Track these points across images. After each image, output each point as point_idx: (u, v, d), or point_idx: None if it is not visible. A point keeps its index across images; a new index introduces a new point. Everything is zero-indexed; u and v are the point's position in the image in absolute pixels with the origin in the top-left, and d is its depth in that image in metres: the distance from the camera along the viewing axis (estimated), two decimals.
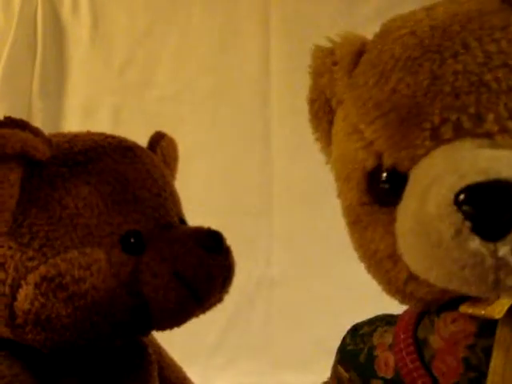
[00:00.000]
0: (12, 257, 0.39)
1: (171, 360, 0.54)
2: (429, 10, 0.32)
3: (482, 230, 0.24)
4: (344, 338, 0.38)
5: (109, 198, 0.42)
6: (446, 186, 0.26)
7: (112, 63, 1.21)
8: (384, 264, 0.32)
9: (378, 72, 0.31)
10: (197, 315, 0.44)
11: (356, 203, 0.33)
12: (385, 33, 0.33)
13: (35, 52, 1.21)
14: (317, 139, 0.39)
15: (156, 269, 0.41)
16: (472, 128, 0.27)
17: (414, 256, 0.28)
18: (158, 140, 0.51)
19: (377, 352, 0.35)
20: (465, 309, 0.29)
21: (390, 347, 0.34)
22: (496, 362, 0.28)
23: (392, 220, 0.30)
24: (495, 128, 0.27)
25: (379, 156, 0.31)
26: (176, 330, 0.44)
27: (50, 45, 1.21)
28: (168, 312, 0.41)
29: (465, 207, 0.24)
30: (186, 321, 0.43)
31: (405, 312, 0.35)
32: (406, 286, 0.31)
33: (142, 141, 0.50)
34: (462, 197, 0.25)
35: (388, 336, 0.35)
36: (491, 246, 0.24)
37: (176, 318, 0.42)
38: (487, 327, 0.29)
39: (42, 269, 0.39)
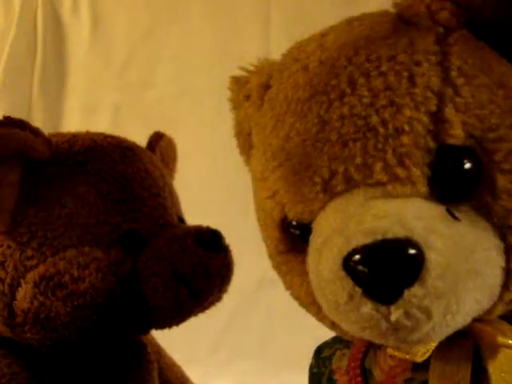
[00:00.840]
0: (11, 256, 0.40)
1: (171, 360, 0.54)
2: (322, 37, 0.31)
3: (373, 294, 0.23)
4: (312, 359, 0.39)
5: (108, 198, 0.42)
6: (334, 249, 0.25)
7: (112, 63, 1.21)
8: (310, 308, 0.31)
9: (274, 115, 0.30)
10: (195, 314, 0.44)
11: (274, 251, 0.32)
12: (283, 66, 0.32)
13: (35, 52, 1.21)
14: (250, 171, 0.37)
15: (155, 267, 0.41)
16: (362, 179, 0.26)
17: (324, 308, 0.27)
18: (157, 140, 0.51)
19: (336, 376, 0.35)
20: (391, 351, 0.30)
21: (346, 372, 0.34)
22: None
23: (307, 269, 0.29)
24: (385, 178, 0.26)
25: (283, 208, 0.29)
26: (176, 329, 0.44)
27: (49, 45, 1.21)
28: (167, 310, 0.41)
29: (353, 272, 0.24)
30: (184, 319, 0.43)
31: (358, 339, 0.34)
32: (333, 328, 0.31)
33: (142, 141, 0.50)
34: (349, 261, 0.24)
35: (345, 360, 0.35)
36: (384, 309, 0.23)
37: (175, 316, 0.42)
38: (423, 362, 0.29)
39: (41, 268, 0.39)
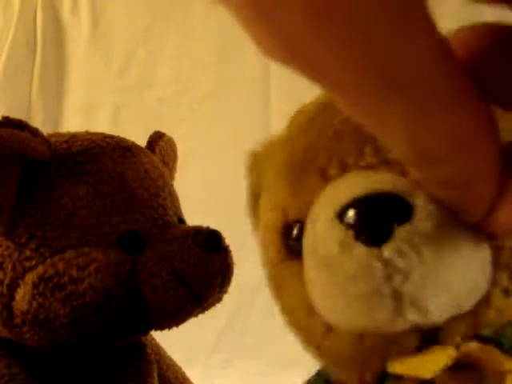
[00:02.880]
0: (10, 256, 0.39)
1: (171, 360, 0.54)
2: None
3: (365, 237, 0.25)
4: None
5: (107, 198, 0.42)
6: (327, 207, 0.27)
7: (112, 63, 1.21)
8: (301, 322, 0.31)
9: (283, 140, 0.34)
10: (195, 315, 0.44)
11: (272, 265, 0.34)
12: (293, 115, 0.36)
13: (35, 52, 1.21)
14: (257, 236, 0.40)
15: (154, 268, 0.41)
16: (355, 162, 0.29)
17: (318, 293, 0.28)
18: (157, 140, 0.51)
19: None
20: (397, 368, 0.27)
21: None
22: None
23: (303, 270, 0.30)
24: (374, 160, 0.28)
25: (285, 212, 0.32)
26: (175, 329, 0.44)
27: (49, 45, 1.22)
28: (166, 311, 0.41)
29: (346, 218, 0.25)
30: (184, 320, 0.43)
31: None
32: (324, 339, 0.30)
33: (142, 141, 0.50)
34: (343, 210, 0.25)
35: None
36: (376, 250, 0.24)
37: (175, 317, 0.42)
38: None
39: (40, 268, 0.39)
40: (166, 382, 0.52)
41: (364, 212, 0.25)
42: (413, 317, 0.25)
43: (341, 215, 0.25)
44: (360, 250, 0.24)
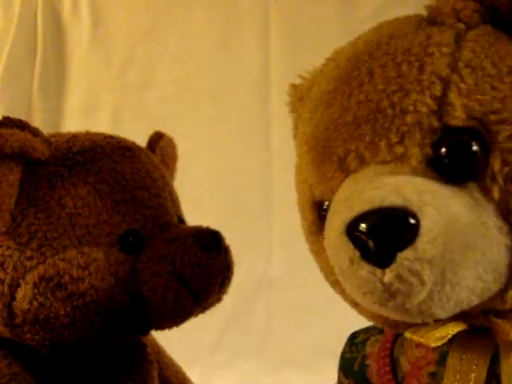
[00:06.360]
0: (11, 256, 0.39)
1: (171, 360, 0.54)
2: (357, 38, 0.33)
3: (370, 258, 0.25)
4: (344, 345, 0.39)
5: (107, 198, 0.42)
6: (339, 217, 0.27)
7: (112, 63, 1.21)
8: (336, 287, 0.33)
9: (311, 108, 0.33)
10: (196, 315, 0.44)
11: (308, 233, 0.34)
12: (323, 67, 0.35)
13: (35, 52, 1.21)
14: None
15: (154, 268, 0.41)
16: (371, 157, 0.28)
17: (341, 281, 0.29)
18: (157, 140, 0.51)
19: (369, 361, 0.35)
20: (408, 334, 0.29)
21: (377, 360, 0.35)
22: None
23: None
24: (388, 156, 0.28)
25: (312, 189, 0.32)
26: (176, 329, 0.44)
27: (50, 45, 1.22)
28: (167, 311, 0.41)
29: (353, 236, 0.25)
30: (184, 320, 0.43)
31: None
32: (355, 307, 0.32)
33: (142, 141, 0.50)
34: (350, 227, 0.26)
35: (378, 346, 0.35)
36: (379, 272, 0.25)
37: (175, 317, 0.42)
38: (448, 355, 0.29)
39: (41, 268, 0.39)
40: (166, 381, 0.52)
41: (370, 234, 0.25)
42: (422, 320, 0.27)
43: (350, 230, 0.26)
44: (364, 270, 0.25)
